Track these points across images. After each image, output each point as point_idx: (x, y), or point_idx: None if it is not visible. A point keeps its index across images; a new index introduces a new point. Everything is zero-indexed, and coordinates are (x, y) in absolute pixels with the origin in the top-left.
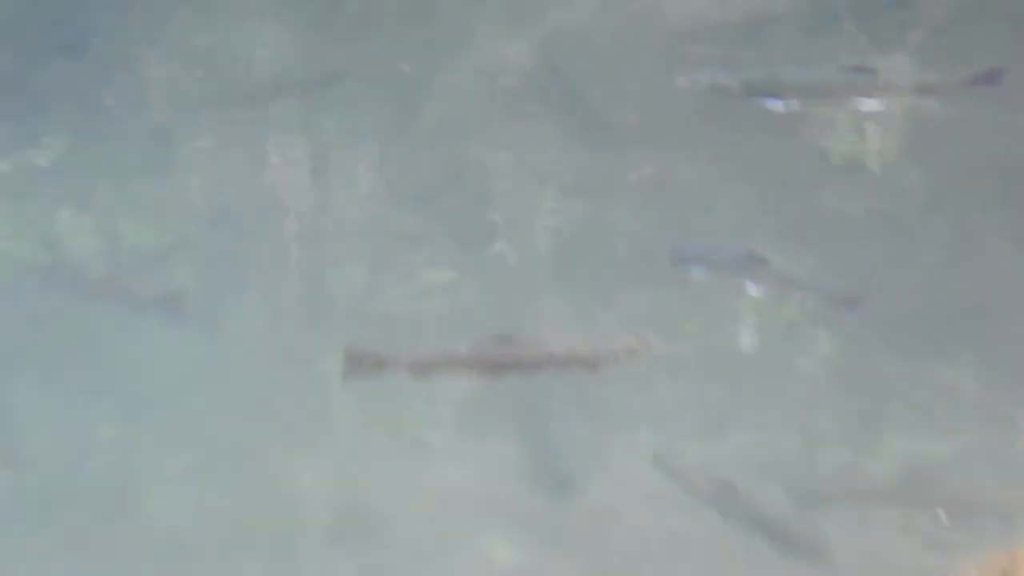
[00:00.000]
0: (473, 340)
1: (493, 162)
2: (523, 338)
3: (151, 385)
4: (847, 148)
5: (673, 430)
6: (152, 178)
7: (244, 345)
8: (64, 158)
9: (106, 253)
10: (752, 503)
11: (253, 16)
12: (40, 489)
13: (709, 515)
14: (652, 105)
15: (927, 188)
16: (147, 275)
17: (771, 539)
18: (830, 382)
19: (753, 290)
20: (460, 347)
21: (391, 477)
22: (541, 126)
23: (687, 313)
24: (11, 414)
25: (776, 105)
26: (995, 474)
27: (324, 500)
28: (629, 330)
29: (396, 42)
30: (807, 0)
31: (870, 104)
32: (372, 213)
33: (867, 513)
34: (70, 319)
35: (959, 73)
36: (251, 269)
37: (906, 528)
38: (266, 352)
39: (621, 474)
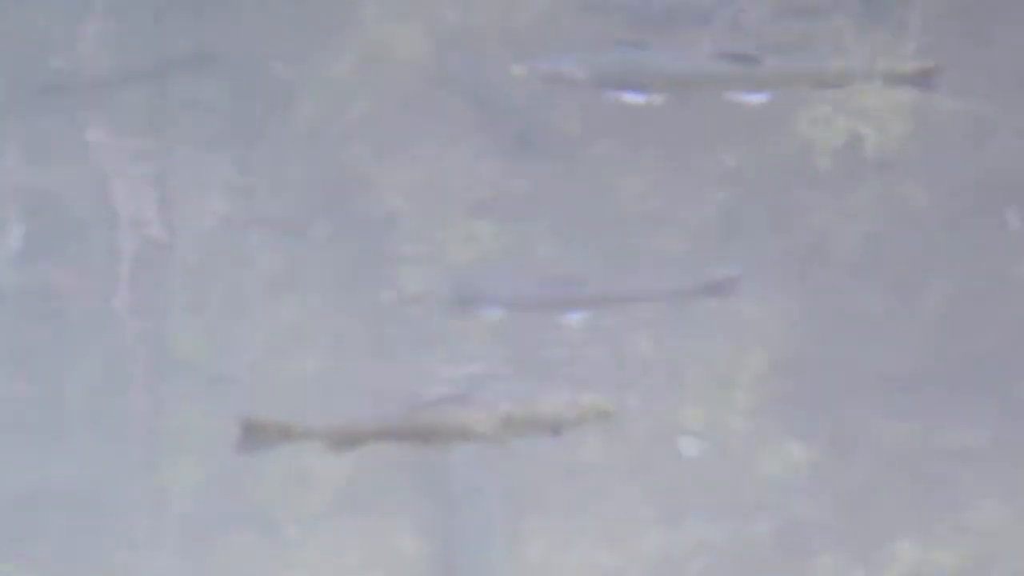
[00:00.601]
0: (406, 401)
1: (383, 175)
2: (467, 398)
3: None
4: (836, 154)
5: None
6: None
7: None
8: None
9: None
10: None
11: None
12: None
13: None
14: (587, 102)
15: (932, 205)
16: None
17: None
18: (819, 465)
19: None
20: (391, 410)
21: None
22: (445, 129)
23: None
24: None
25: (634, 98)
26: None
27: None
28: (578, 389)
29: (263, 24)
30: None
31: (751, 97)
32: (227, 240)
33: None
34: None
35: (885, 65)
36: (72, 309)
37: None
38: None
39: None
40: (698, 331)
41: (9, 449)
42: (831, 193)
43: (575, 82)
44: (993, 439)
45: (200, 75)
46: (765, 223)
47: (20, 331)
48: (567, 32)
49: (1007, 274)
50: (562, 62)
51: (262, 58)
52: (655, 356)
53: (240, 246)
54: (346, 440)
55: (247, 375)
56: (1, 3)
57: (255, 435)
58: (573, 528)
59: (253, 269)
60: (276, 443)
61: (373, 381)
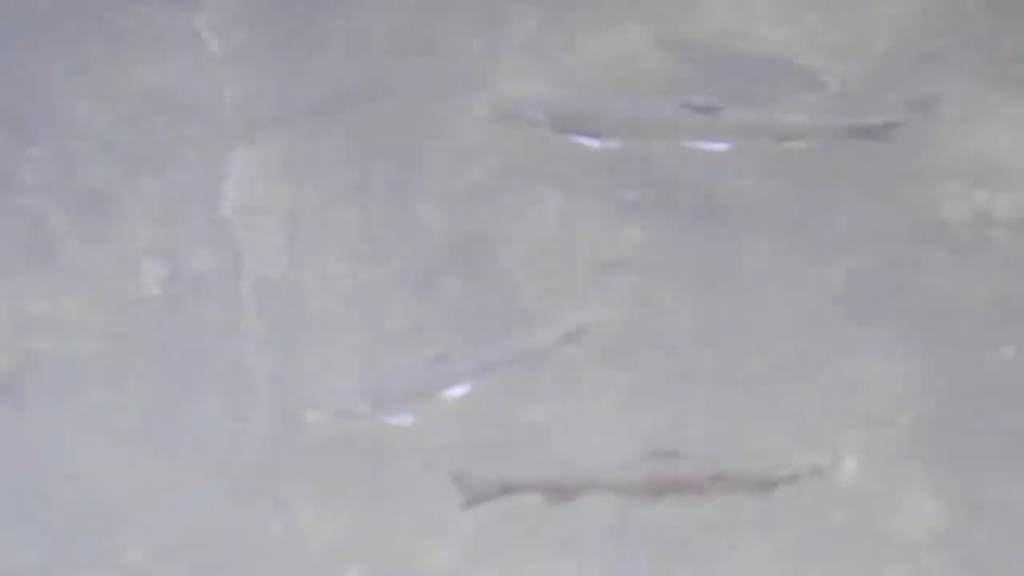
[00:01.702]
0: (622, 456)
1: (511, 233)
2: (683, 454)
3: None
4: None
5: None
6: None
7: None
8: None
9: None
10: None
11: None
12: None
13: None
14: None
15: None
16: None
17: None
18: (951, 522)
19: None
20: (605, 463)
21: None
22: (578, 188)
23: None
24: None
25: (592, 143)
26: None
27: None
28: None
29: (391, 78)
30: None
31: (713, 146)
32: (354, 293)
33: None
34: None
35: (843, 120)
36: (204, 366)
37: None
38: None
39: None
40: (828, 389)
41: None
42: (960, 251)
43: (537, 125)
44: None
45: (329, 127)
46: (894, 282)
47: (152, 382)
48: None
49: None
50: (524, 106)
51: (391, 112)
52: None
53: (366, 300)
54: (561, 494)
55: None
56: (123, 54)
57: (474, 490)
58: None
59: (380, 324)
60: (495, 497)
61: (503, 448)
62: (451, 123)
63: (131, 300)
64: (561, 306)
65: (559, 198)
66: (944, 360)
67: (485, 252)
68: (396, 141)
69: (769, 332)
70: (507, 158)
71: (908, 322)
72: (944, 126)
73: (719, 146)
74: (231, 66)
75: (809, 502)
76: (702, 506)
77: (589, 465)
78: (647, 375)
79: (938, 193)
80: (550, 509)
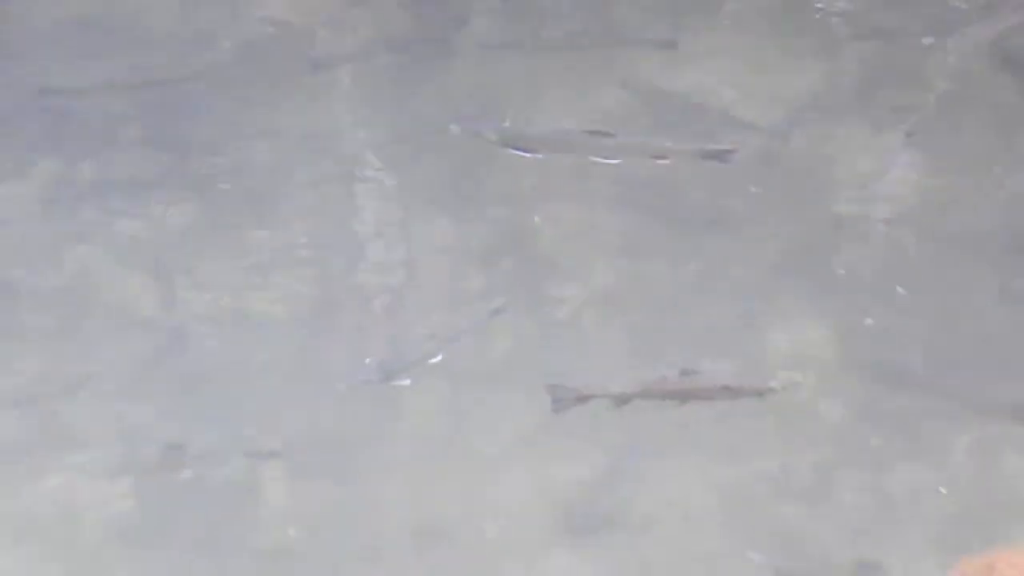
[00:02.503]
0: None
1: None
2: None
3: None
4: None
5: None
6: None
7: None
8: None
9: None
10: None
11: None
12: None
13: None
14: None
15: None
16: None
17: None
18: None
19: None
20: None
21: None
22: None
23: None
24: None
25: (525, 155)
26: None
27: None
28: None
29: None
30: None
31: (607, 161)
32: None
33: None
34: None
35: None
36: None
37: None
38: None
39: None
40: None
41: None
42: (853, 239)
43: (488, 140)
44: None
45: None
46: (811, 261)
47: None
48: None
49: None
50: (480, 123)
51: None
52: None
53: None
54: (621, 399)
55: None
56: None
57: (560, 397)
58: None
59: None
60: (574, 403)
61: None
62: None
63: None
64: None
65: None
66: (843, 317)
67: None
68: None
69: (725, 294)
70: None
71: (823, 289)
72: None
73: (612, 161)
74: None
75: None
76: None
77: (637, 379)
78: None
79: (830, 199)
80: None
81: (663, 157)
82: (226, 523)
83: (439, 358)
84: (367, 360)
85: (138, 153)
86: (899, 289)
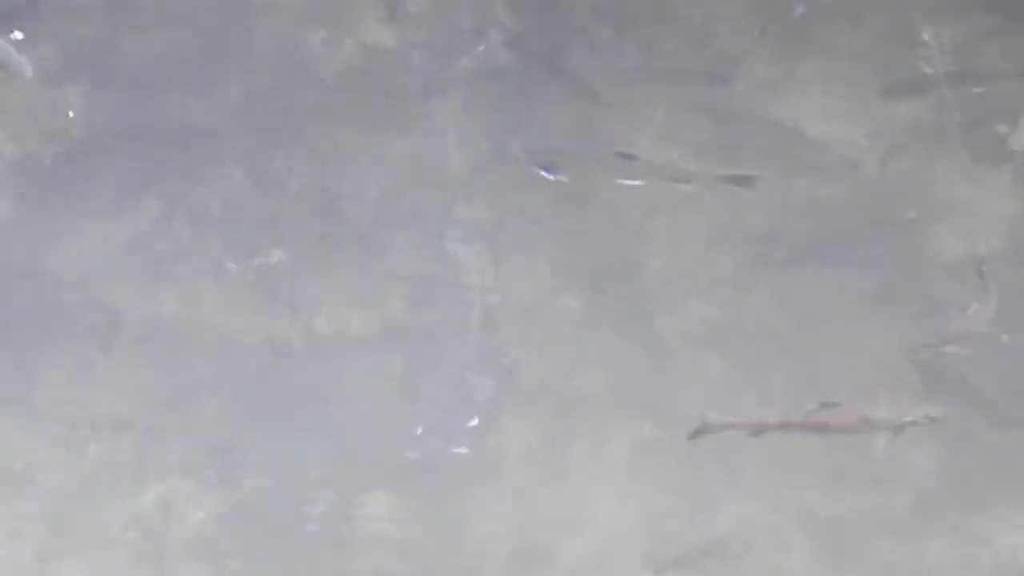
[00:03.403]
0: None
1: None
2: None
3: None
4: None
5: None
6: None
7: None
8: None
9: None
10: None
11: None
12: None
13: None
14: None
15: None
16: None
17: None
18: None
19: None
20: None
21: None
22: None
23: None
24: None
25: (549, 176)
26: None
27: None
28: None
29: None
30: None
31: (632, 183)
32: (550, 308)
33: None
34: None
35: (718, 170)
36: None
37: None
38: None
39: None
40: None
41: None
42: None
43: (519, 160)
44: None
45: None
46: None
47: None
48: None
49: None
50: (516, 146)
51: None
52: None
53: (560, 315)
54: (757, 430)
55: None
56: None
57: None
58: None
59: (570, 338)
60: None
61: None
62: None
63: None
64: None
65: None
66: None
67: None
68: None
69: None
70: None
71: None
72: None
73: (636, 183)
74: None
75: None
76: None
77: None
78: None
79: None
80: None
81: (686, 181)
82: (324, 549)
83: (535, 384)
84: (465, 384)
85: (239, 181)
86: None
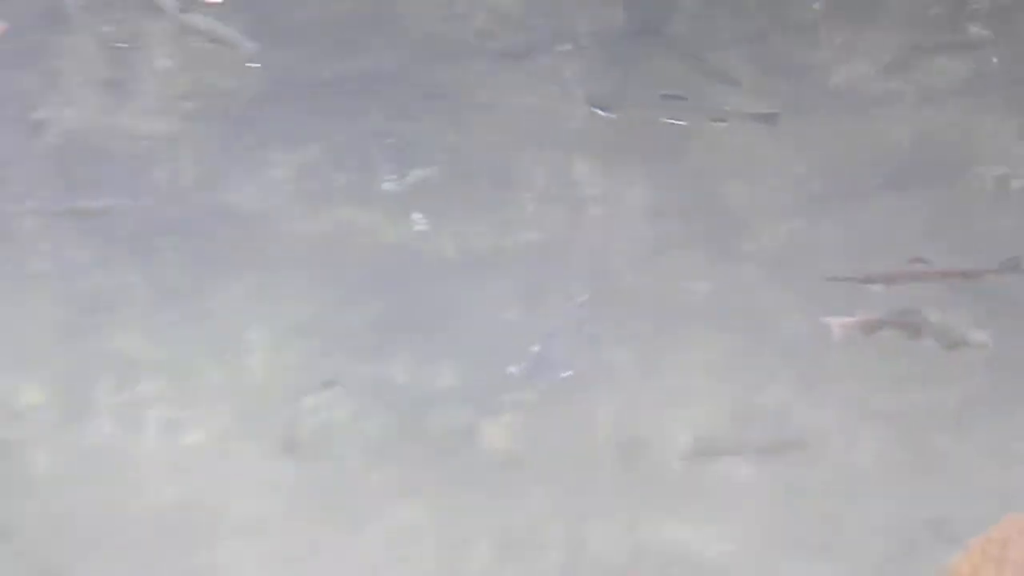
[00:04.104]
0: None
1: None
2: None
3: None
4: None
5: None
6: None
7: None
8: None
9: None
10: None
11: None
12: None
13: None
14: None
15: None
16: None
17: None
18: None
19: None
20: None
21: None
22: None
23: None
24: None
25: (603, 114)
26: None
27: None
28: None
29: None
30: None
31: (677, 122)
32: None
33: None
34: None
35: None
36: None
37: None
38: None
39: None
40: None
41: None
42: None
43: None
44: None
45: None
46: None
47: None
48: None
49: None
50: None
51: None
52: None
53: (666, 270)
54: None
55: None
56: None
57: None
58: None
59: (678, 294)
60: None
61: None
62: None
63: None
64: None
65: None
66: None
67: None
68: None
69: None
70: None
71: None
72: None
73: (680, 122)
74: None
75: None
76: None
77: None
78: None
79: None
80: None
81: (722, 120)
82: (448, 454)
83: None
84: (579, 303)
85: (379, 128)
86: None
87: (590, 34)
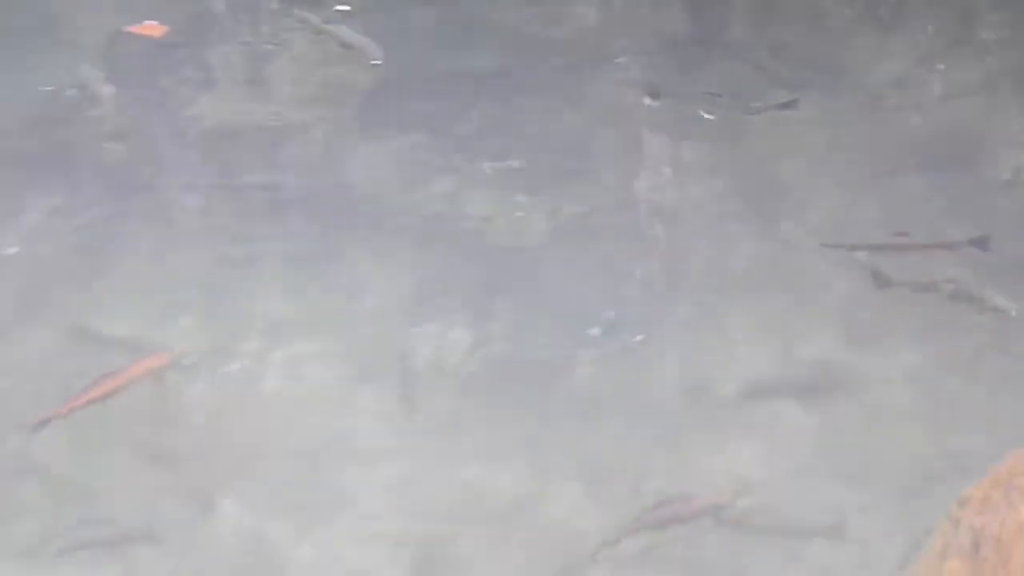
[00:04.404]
0: None
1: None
2: None
3: None
4: None
5: None
6: None
7: None
8: None
9: None
10: None
11: None
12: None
13: None
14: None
15: None
16: None
17: None
18: None
19: None
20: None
21: None
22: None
23: None
24: None
25: (651, 102)
26: None
27: None
28: None
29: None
30: None
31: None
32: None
33: None
34: None
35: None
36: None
37: None
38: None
39: None
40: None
41: None
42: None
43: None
44: None
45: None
46: None
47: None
48: None
49: None
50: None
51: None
52: None
53: (718, 235)
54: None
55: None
56: None
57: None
58: None
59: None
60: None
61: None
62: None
63: None
64: None
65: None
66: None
67: None
68: None
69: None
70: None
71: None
72: None
73: (711, 116)
74: None
75: None
76: None
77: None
78: None
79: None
80: None
81: (756, 113)
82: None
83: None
84: (647, 271)
85: (482, 117)
86: None
87: (658, 41)
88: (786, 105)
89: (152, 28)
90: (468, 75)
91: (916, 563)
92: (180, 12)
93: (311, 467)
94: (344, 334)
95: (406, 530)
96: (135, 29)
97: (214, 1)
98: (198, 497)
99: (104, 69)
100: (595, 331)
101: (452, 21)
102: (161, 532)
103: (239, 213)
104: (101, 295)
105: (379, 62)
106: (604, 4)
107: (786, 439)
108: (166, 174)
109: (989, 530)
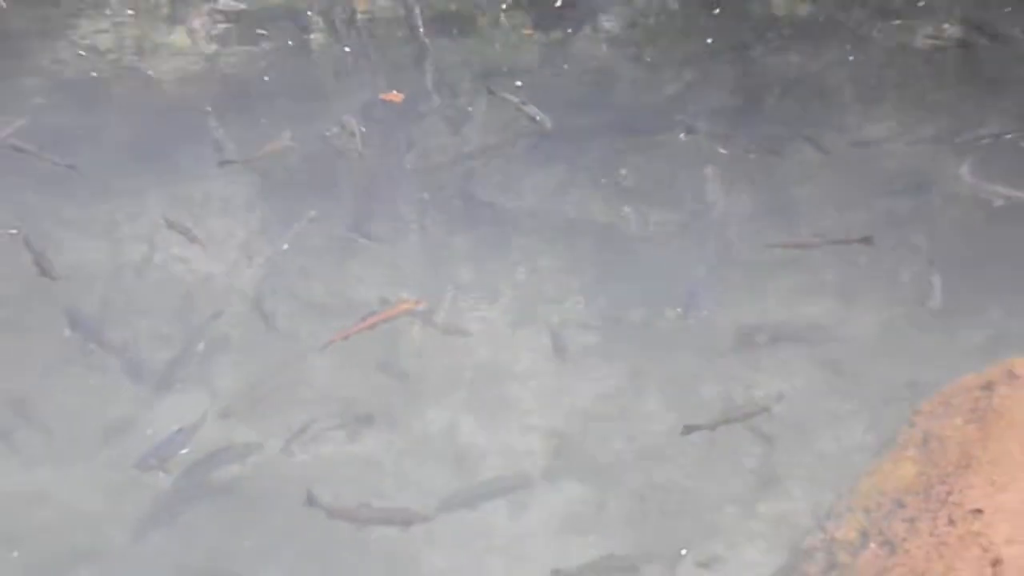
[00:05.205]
0: None
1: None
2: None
3: None
4: None
5: None
6: None
7: None
8: None
9: None
10: None
11: None
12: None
13: None
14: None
15: None
16: None
17: None
18: None
19: None
20: None
21: None
22: None
23: None
24: None
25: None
26: None
27: None
28: None
29: None
30: None
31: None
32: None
33: None
34: None
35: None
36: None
37: None
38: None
39: None
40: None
41: None
42: None
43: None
44: None
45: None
46: None
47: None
48: None
49: None
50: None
51: None
52: None
53: (755, 243)
54: None
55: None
56: None
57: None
58: None
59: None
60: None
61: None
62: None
63: None
64: None
65: None
66: None
67: None
68: None
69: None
70: None
71: None
72: None
73: (724, 151)
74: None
75: None
76: None
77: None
78: None
79: None
80: None
81: (776, 153)
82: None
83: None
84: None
85: (600, 155)
86: None
87: (710, 113)
88: (770, 149)
89: (395, 96)
90: (592, 128)
91: (886, 453)
92: (414, 85)
93: (490, 382)
94: (510, 297)
95: (551, 425)
96: (384, 96)
97: (429, 80)
98: (415, 402)
99: (360, 119)
100: (678, 311)
101: (582, 91)
102: (382, 420)
103: (441, 218)
104: (352, 273)
105: (540, 119)
106: (680, 82)
107: (786, 369)
108: (395, 190)
109: (934, 431)
